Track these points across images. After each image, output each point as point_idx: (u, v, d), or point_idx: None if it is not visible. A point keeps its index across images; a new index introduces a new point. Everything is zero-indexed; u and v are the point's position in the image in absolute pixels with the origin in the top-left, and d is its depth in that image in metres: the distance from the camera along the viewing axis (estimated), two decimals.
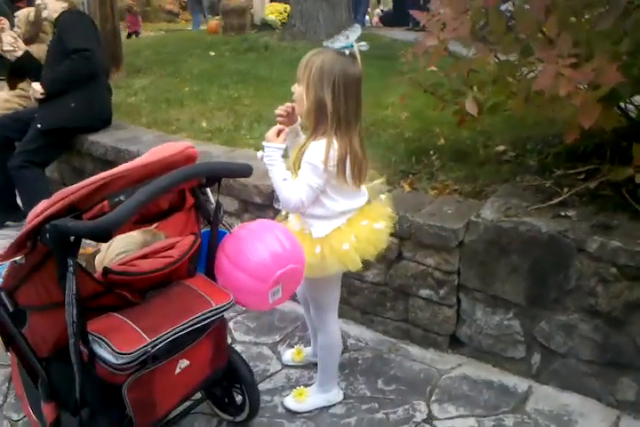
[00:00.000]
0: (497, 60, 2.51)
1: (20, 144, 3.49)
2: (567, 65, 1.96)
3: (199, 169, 1.50)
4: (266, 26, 8.16)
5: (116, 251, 1.69)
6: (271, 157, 1.77)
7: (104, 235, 1.27)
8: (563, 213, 2.20)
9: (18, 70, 3.75)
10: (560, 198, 2.30)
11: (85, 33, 3.44)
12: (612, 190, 2.31)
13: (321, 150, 1.71)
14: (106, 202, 1.33)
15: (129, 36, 14.59)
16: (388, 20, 10.63)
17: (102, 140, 3.43)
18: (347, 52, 1.72)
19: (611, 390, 2.08)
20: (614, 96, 2.14)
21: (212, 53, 5.94)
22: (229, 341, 2.45)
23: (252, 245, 1.58)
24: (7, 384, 2.18)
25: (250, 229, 1.65)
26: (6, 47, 3.57)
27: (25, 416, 1.96)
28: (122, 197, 1.33)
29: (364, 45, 1.76)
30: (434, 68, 2.76)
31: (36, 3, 3.90)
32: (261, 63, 5.18)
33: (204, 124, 3.68)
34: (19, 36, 3.69)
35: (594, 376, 2.11)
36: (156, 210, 1.52)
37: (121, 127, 3.70)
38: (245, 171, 1.60)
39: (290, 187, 1.75)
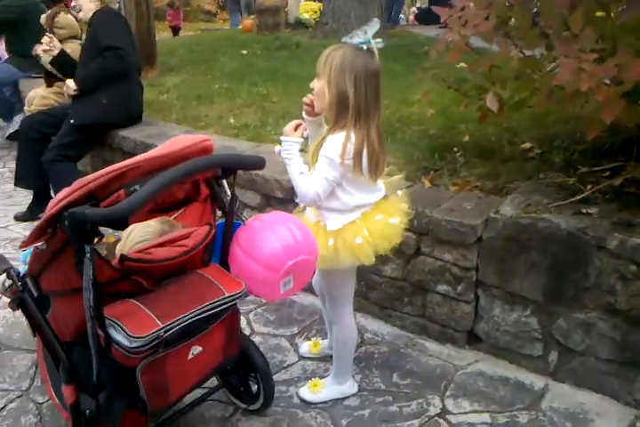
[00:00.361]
0: (522, 56, 2.49)
1: (55, 139, 3.61)
2: (589, 60, 1.95)
3: (212, 160, 1.54)
4: (300, 24, 8.23)
5: (135, 240, 1.74)
6: (288, 150, 1.81)
7: (119, 221, 1.33)
8: (584, 211, 2.18)
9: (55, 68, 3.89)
10: (582, 195, 2.28)
11: (119, 31, 3.55)
12: (638, 188, 2.27)
13: (338, 144, 1.74)
14: (122, 191, 1.38)
15: (174, 31, 14.83)
16: (423, 17, 10.55)
17: (132, 135, 3.53)
18: (364, 47, 1.74)
19: (629, 389, 2.05)
20: (638, 92, 2.11)
21: (245, 52, 6.01)
22: (248, 332, 2.51)
23: (265, 236, 1.62)
24: (34, 369, 2.27)
25: (263, 221, 1.69)
26: (43, 47, 3.70)
27: (49, 399, 2.04)
28: (137, 187, 1.37)
29: (379, 42, 1.77)
30: (462, 65, 2.76)
31: (47, 12, 4.06)
32: (292, 61, 5.23)
33: (232, 121, 3.75)
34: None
35: (612, 375, 2.08)
36: (172, 200, 1.57)
37: (151, 124, 3.79)
38: (258, 163, 1.63)
39: (306, 180, 1.78)
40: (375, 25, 1.77)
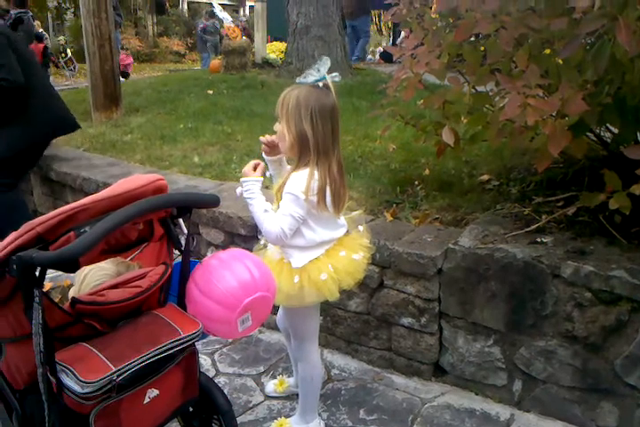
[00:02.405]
0: (474, 92, 2.58)
1: None
2: (534, 95, 2.02)
3: (165, 199, 1.54)
4: (267, 64, 8.39)
5: (92, 284, 1.71)
6: (250, 190, 1.83)
7: (68, 264, 1.31)
8: (539, 240, 2.23)
9: None
10: (537, 225, 2.33)
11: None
12: (590, 217, 2.34)
13: (302, 181, 1.76)
14: (72, 233, 1.37)
15: (122, 75, 14.83)
16: (386, 56, 10.86)
17: (94, 176, 3.51)
18: (320, 84, 1.79)
19: (592, 415, 2.07)
20: (583, 124, 2.19)
21: (210, 91, 6.08)
22: (213, 372, 2.47)
23: (221, 274, 1.62)
24: None
25: (220, 259, 1.68)
26: None
27: None
28: (87, 229, 1.37)
29: (336, 76, 1.82)
30: (419, 102, 2.85)
31: None
32: (257, 100, 5.31)
33: (196, 160, 3.77)
34: None
35: (575, 402, 2.10)
36: (125, 240, 1.56)
37: (114, 164, 3.79)
38: (212, 201, 1.64)
39: (271, 218, 1.79)
40: (326, 62, 1.82)
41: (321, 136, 1.78)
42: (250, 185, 1.83)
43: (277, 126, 1.85)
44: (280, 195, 1.82)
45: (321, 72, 1.79)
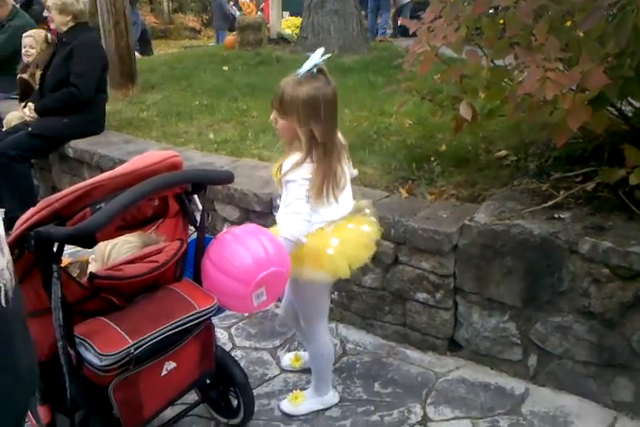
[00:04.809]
0: (492, 66, 2.54)
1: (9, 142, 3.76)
2: (554, 68, 1.98)
3: (179, 176, 1.55)
4: (282, 40, 8.30)
5: (120, 258, 1.71)
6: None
7: (85, 239, 1.33)
8: (557, 215, 2.20)
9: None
10: (555, 201, 2.30)
11: (89, 69, 3.76)
12: (609, 192, 2.30)
13: (302, 169, 1.76)
14: (88, 209, 1.39)
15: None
16: (403, 30, 10.68)
17: (111, 153, 3.53)
18: (314, 70, 1.75)
19: (607, 391, 2.07)
20: (603, 98, 2.15)
21: (225, 68, 6.05)
22: (230, 346, 2.51)
23: (235, 249, 1.63)
24: None
25: (234, 234, 1.70)
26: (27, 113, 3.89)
27: (27, 421, 2.02)
28: (102, 205, 1.38)
29: (325, 54, 1.76)
30: (436, 77, 2.80)
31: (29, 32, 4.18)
32: (272, 76, 5.25)
33: (212, 136, 3.76)
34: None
35: (590, 377, 2.10)
36: (141, 217, 1.58)
37: (130, 141, 3.80)
38: (226, 178, 1.65)
39: (290, 220, 1.77)
40: (318, 51, 1.78)
41: (323, 128, 1.75)
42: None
43: (274, 116, 1.82)
44: (280, 170, 1.81)
45: (313, 60, 1.76)
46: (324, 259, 1.79)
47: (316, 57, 1.73)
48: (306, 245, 1.78)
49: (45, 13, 3.86)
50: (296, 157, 1.77)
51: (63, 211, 1.37)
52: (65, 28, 3.75)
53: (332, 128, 1.80)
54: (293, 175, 1.76)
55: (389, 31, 10.23)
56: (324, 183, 1.77)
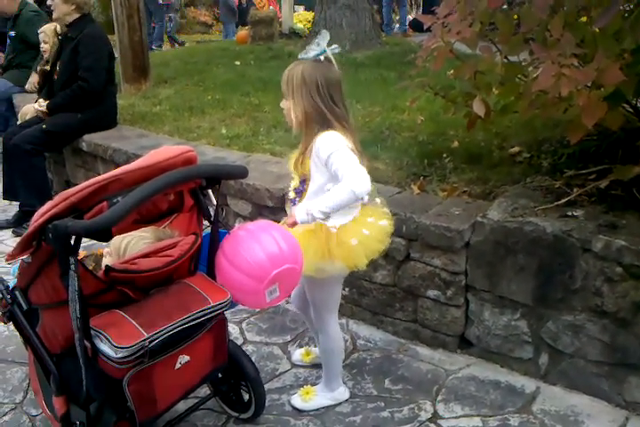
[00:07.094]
0: (506, 62, 2.52)
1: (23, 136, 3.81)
2: (569, 65, 1.97)
3: (194, 171, 1.56)
4: (294, 34, 8.28)
5: (136, 250, 1.72)
6: (312, 214, 1.74)
7: (101, 233, 1.35)
8: (570, 213, 2.19)
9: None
10: (568, 198, 2.29)
11: (96, 61, 3.77)
12: (623, 190, 2.29)
13: (331, 139, 1.76)
14: (105, 203, 1.40)
15: None
16: (416, 25, 10.62)
17: (125, 147, 3.55)
18: (321, 58, 1.77)
19: (619, 390, 2.06)
20: (619, 95, 2.13)
21: (238, 63, 6.05)
22: (241, 341, 2.52)
23: (249, 246, 1.64)
24: (28, 381, 2.28)
25: (248, 230, 1.70)
26: (38, 108, 3.94)
27: (42, 412, 2.05)
28: (119, 198, 1.40)
29: (335, 48, 1.79)
30: (449, 73, 2.79)
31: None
32: (284, 71, 5.26)
33: (224, 131, 3.77)
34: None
35: (602, 377, 2.09)
36: (156, 211, 1.59)
37: (143, 135, 3.82)
38: (241, 173, 1.65)
39: (356, 175, 1.71)
40: (325, 35, 1.80)
41: (333, 108, 1.77)
42: (310, 217, 1.74)
43: (284, 103, 1.84)
44: (302, 161, 1.81)
45: (321, 46, 1.77)
46: (348, 249, 1.80)
47: (323, 44, 1.74)
48: (335, 235, 1.79)
49: (49, 2, 3.85)
50: (317, 137, 1.78)
51: (80, 204, 1.38)
52: (69, 20, 3.76)
53: (340, 108, 1.79)
54: (329, 148, 1.74)
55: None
56: (354, 143, 1.78)
